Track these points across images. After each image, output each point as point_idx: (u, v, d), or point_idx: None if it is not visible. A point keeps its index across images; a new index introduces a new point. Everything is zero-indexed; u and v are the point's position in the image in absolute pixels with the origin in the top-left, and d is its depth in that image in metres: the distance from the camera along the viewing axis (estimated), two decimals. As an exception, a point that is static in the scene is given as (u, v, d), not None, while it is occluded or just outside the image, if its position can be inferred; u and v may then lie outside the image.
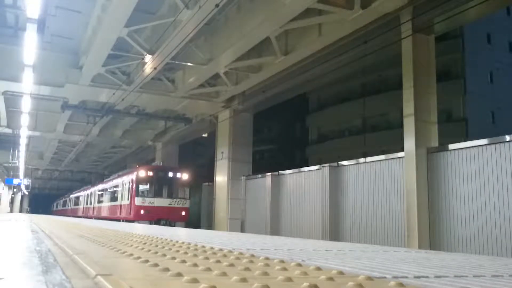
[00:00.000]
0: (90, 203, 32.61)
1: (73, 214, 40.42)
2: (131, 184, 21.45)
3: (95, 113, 22.73)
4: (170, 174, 21.37)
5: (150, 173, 21.11)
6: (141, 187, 21.03)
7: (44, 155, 39.10)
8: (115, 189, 25.14)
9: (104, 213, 26.88)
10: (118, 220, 21.70)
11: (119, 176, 25.30)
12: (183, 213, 20.86)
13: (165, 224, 18.94)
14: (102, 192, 29.10)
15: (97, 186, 31.74)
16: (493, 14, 20.94)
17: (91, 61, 16.32)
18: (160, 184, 21.25)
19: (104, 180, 30.92)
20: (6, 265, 2.80)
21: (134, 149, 34.36)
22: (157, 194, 20.99)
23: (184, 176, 21.53)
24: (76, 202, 40.73)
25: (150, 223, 18.51)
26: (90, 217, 29.60)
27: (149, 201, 20.51)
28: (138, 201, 20.46)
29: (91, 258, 2.74)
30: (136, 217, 19.99)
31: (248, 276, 2.00)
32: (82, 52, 17.11)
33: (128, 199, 21.59)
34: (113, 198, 25.28)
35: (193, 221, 23.32)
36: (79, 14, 14.28)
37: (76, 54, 17.59)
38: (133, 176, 21.36)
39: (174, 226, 18.80)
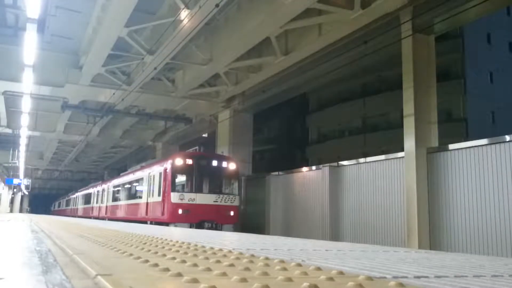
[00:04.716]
0: (102, 202, 28.32)
1: (79, 214, 36.59)
2: (163, 176, 17.02)
3: (95, 113, 22.74)
4: (215, 163, 16.94)
5: (190, 161, 16.58)
6: (178, 179, 16.74)
7: (44, 155, 39.15)
8: (138, 183, 20.85)
9: (123, 213, 22.61)
10: (143, 222, 17.70)
11: (143, 168, 21.10)
12: (232, 213, 16.49)
13: (210, 228, 15.17)
14: (119, 188, 24.61)
15: (111, 181, 27.33)
16: (493, 14, 20.94)
17: (91, 61, 16.33)
18: (203, 175, 16.75)
19: (121, 174, 26.23)
20: (6, 265, 2.81)
21: (134, 149, 34.40)
22: (199, 188, 16.53)
23: (232, 165, 17.13)
24: (84, 201, 36.32)
25: (190, 227, 14.78)
26: (102, 218, 26.00)
27: (189, 198, 16.05)
28: (174, 197, 16.01)
29: (91, 258, 2.74)
30: (172, 219, 15.80)
31: (248, 276, 2.00)
32: (82, 52, 17.11)
33: (159, 195, 17.22)
34: (136, 194, 21.18)
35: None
36: (79, 14, 14.28)
37: (76, 54, 17.60)
38: (166, 165, 16.93)
39: (221, 230, 15.09)
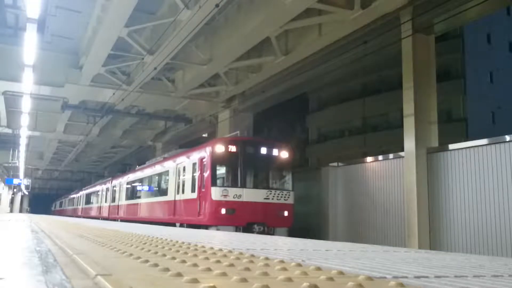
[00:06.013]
0: (113, 200, 25.19)
1: (84, 214, 34.22)
2: (199, 167, 13.79)
3: (95, 113, 22.74)
4: (263, 151, 13.74)
5: (233, 149, 13.39)
6: (219, 171, 13.69)
7: (44, 155, 39.16)
8: (162, 178, 17.87)
9: (140, 213, 19.69)
10: (171, 224, 14.76)
11: (167, 159, 17.78)
12: (286, 213, 13.38)
13: (260, 232, 12.41)
14: (135, 184, 21.59)
15: (124, 177, 23.94)
16: (493, 14, 20.93)
17: (91, 61, 16.33)
18: (251, 166, 13.63)
19: (138, 168, 22.69)
20: (6, 265, 2.81)
21: (134, 149, 34.42)
22: (246, 182, 13.37)
23: (284, 153, 14.01)
24: (90, 200, 33.35)
25: (236, 231, 12.17)
26: (113, 219, 23.48)
27: (234, 194, 12.89)
28: (216, 193, 12.82)
29: (91, 258, 2.74)
30: (213, 220, 12.74)
31: (248, 276, 2.00)
32: (82, 52, 17.11)
33: (193, 191, 14.03)
34: (159, 191, 18.16)
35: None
36: (79, 14, 14.28)
37: (76, 54, 17.60)
38: (204, 153, 13.74)
39: (273, 234, 12.37)
